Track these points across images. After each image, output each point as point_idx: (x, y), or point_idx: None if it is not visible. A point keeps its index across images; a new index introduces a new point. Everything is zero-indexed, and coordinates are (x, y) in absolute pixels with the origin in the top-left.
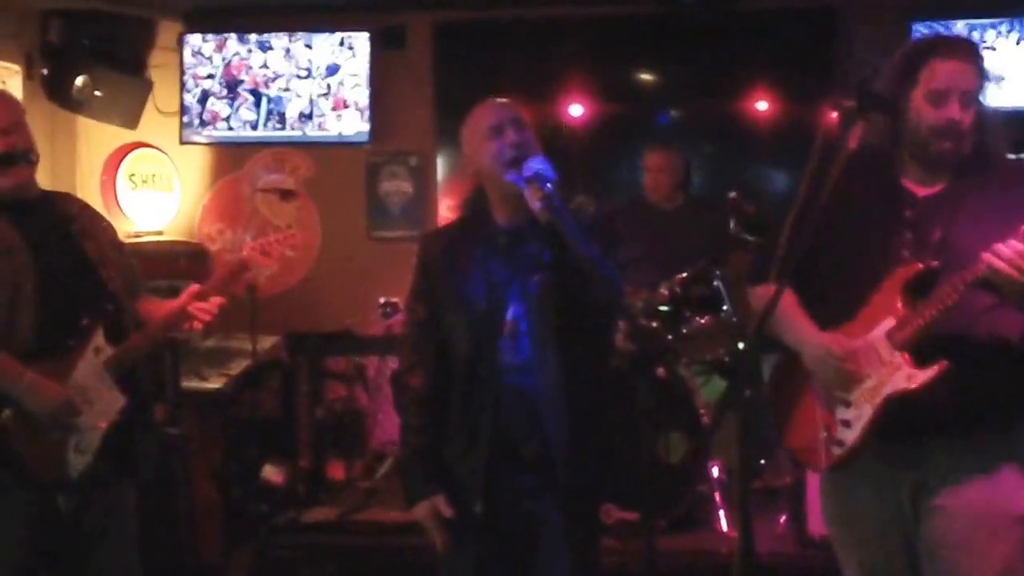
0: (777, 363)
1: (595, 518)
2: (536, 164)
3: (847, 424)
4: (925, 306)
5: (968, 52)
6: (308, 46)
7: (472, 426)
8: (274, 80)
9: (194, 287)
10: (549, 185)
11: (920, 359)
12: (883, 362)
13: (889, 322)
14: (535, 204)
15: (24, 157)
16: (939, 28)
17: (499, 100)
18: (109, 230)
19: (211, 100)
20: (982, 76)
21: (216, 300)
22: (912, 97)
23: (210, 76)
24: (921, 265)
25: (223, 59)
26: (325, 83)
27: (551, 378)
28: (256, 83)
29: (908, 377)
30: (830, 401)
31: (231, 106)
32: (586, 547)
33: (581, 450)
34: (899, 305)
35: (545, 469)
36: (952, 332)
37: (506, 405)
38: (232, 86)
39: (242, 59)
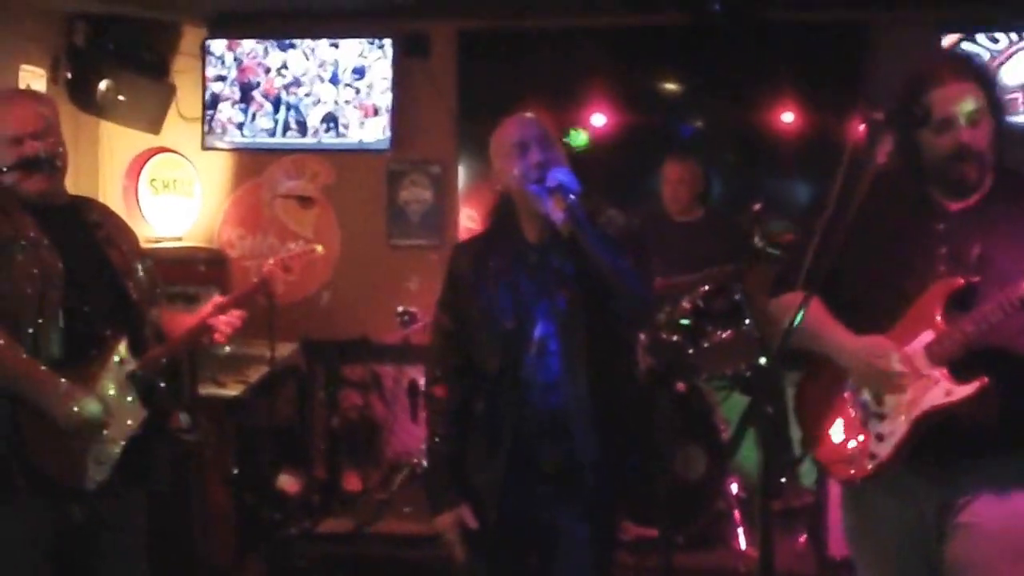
0: (803, 375)
1: (614, 531)
2: (559, 175)
3: (881, 437)
4: (966, 321)
5: (963, 71)
6: (331, 53)
7: (494, 440)
8: (296, 87)
9: (217, 299)
10: (572, 196)
11: (959, 375)
12: (920, 376)
13: (928, 335)
14: (557, 215)
15: (49, 163)
16: (967, 40)
17: (526, 116)
18: (133, 238)
19: (232, 106)
20: (986, 87)
21: (238, 314)
22: (922, 131)
23: (230, 82)
24: (962, 280)
25: (244, 65)
26: (347, 90)
27: (580, 394)
28: (277, 90)
29: (946, 392)
30: (864, 414)
31: (245, 112)
32: (604, 560)
33: (608, 464)
34: (938, 319)
35: (566, 481)
36: (992, 349)
37: (529, 421)
38: (251, 92)
39: (264, 65)
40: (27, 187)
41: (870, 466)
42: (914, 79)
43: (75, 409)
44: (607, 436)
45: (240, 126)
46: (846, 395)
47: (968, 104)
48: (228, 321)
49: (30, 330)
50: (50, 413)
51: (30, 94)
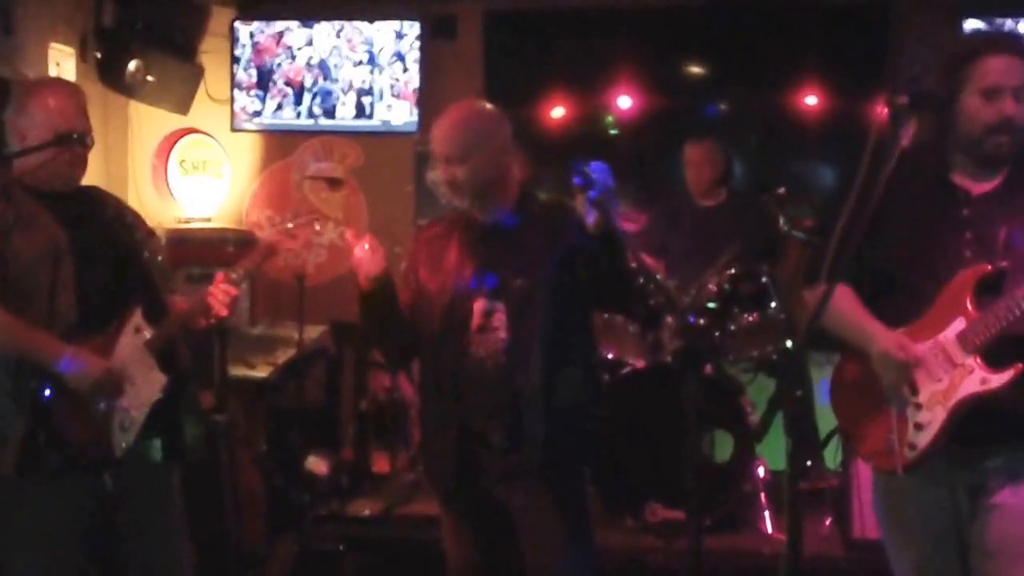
0: (838, 366)
1: (577, 500)
2: (596, 173)
3: (919, 427)
4: (999, 308)
5: (1018, 48)
6: (359, 35)
7: (440, 410)
8: (324, 68)
9: (220, 275)
10: (593, 193)
11: (993, 362)
12: (955, 364)
13: (959, 323)
14: (583, 210)
15: (80, 141)
16: (991, 23)
17: (442, 131)
18: (139, 221)
19: (258, 86)
20: None
21: (231, 291)
22: (964, 95)
23: (245, 63)
24: (990, 267)
25: (265, 46)
26: (376, 72)
27: (528, 370)
28: (302, 71)
29: (982, 380)
30: (901, 404)
31: (262, 100)
32: (573, 534)
33: (555, 439)
34: (969, 307)
35: (516, 456)
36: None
37: (472, 392)
38: (273, 75)
39: (291, 46)
40: (56, 169)
41: (911, 456)
42: (969, 43)
43: (82, 373)
44: (556, 413)
45: (258, 113)
46: (882, 389)
47: (1018, 79)
48: (224, 290)
49: (45, 307)
50: (62, 381)
51: (68, 84)
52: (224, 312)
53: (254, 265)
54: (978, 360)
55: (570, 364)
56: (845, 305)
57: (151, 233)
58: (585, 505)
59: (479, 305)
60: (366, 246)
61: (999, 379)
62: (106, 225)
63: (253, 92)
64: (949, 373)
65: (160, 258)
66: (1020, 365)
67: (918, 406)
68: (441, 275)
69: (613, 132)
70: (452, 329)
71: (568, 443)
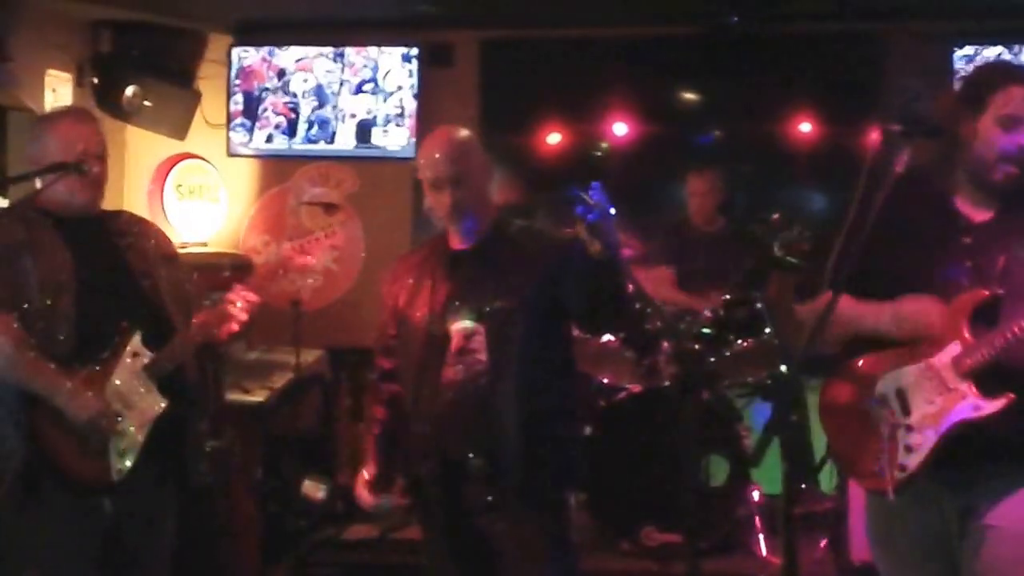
0: (825, 387)
1: (559, 529)
2: (592, 196)
3: (910, 449)
4: (994, 335)
5: None
6: (356, 62)
7: (421, 439)
8: (321, 95)
9: (237, 287)
10: (592, 216)
11: (986, 388)
12: (948, 388)
13: (955, 348)
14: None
15: (76, 168)
16: (981, 53)
17: (436, 154)
18: (160, 242)
19: (257, 110)
20: None
21: (250, 297)
22: (979, 121)
23: (258, 89)
24: (987, 292)
25: (269, 73)
26: (373, 99)
27: (505, 393)
28: (301, 97)
29: (974, 407)
30: (891, 427)
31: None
32: (553, 560)
33: (534, 463)
34: (965, 332)
35: (496, 485)
36: (1018, 363)
37: (450, 419)
38: (265, 102)
39: (289, 73)
40: (80, 197)
41: (899, 477)
42: (991, 70)
43: (79, 409)
44: (533, 434)
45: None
46: (872, 409)
47: None
48: (243, 296)
49: (41, 333)
50: (63, 412)
51: (87, 114)
52: (244, 317)
53: (263, 281)
54: (971, 386)
55: (549, 388)
56: (846, 305)
57: (171, 257)
58: (568, 531)
59: (458, 328)
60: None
61: (991, 406)
62: (117, 253)
63: (240, 120)
64: (942, 396)
65: (179, 283)
66: (1012, 395)
67: (909, 428)
68: (420, 301)
69: (597, 154)
70: (432, 354)
71: (550, 468)
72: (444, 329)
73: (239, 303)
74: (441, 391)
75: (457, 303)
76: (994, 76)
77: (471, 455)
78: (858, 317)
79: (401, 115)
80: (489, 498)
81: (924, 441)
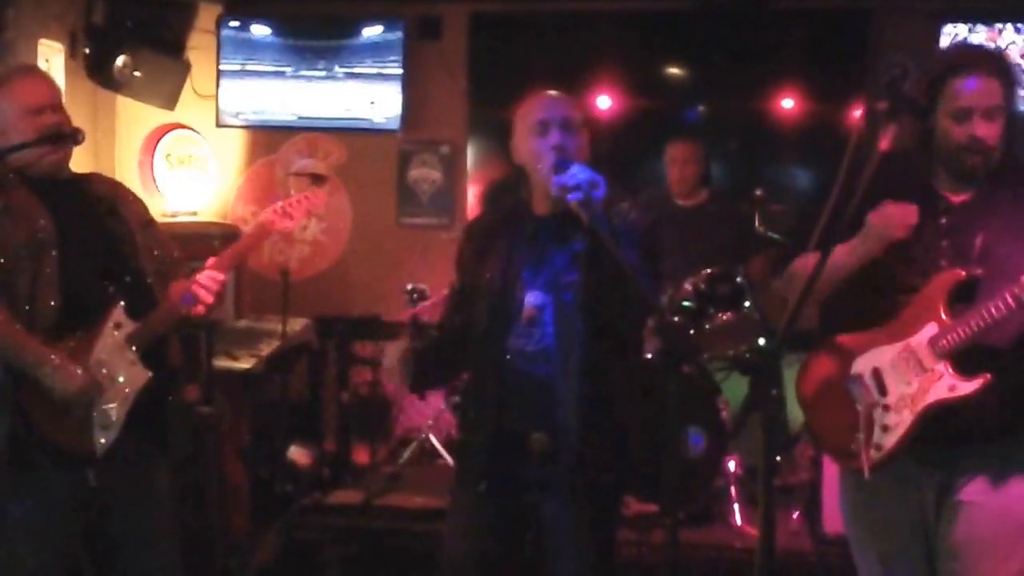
0: (806, 362)
1: (609, 517)
2: (579, 174)
3: (886, 429)
4: (970, 316)
5: (990, 65)
6: (345, 33)
7: (479, 407)
8: (309, 66)
9: (210, 260)
10: (579, 193)
11: (963, 369)
12: (925, 369)
13: (931, 328)
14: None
15: (72, 137)
16: (970, 29)
17: (554, 95)
18: (138, 208)
19: (246, 82)
20: (1009, 86)
21: (216, 276)
22: (938, 114)
23: (245, 60)
24: (965, 273)
25: (256, 43)
26: (360, 70)
27: (569, 370)
28: (290, 68)
29: (950, 387)
30: (868, 406)
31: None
32: (597, 546)
33: (594, 447)
34: (942, 313)
35: (553, 464)
36: (994, 343)
37: (514, 391)
38: (263, 69)
39: (280, 43)
40: (45, 161)
41: (876, 456)
42: (943, 62)
43: (65, 383)
44: (594, 417)
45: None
46: (850, 388)
47: (989, 99)
48: (210, 276)
49: (26, 299)
50: (45, 385)
51: (39, 70)
52: (210, 300)
53: (245, 248)
54: (948, 366)
55: (613, 371)
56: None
57: (148, 222)
58: (615, 521)
59: (531, 298)
60: None
61: (968, 387)
62: (96, 216)
63: (235, 87)
64: (919, 377)
65: (156, 249)
66: (988, 375)
67: (886, 408)
68: (491, 268)
69: None
70: (499, 322)
71: (610, 454)
72: (516, 297)
73: (207, 283)
74: (505, 363)
75: (532, 272)
76: (942, 69)
77: (534, 432)
78: (832, 264)
79: (389, 88)
80: (544, 476)
81: (900, 421)
